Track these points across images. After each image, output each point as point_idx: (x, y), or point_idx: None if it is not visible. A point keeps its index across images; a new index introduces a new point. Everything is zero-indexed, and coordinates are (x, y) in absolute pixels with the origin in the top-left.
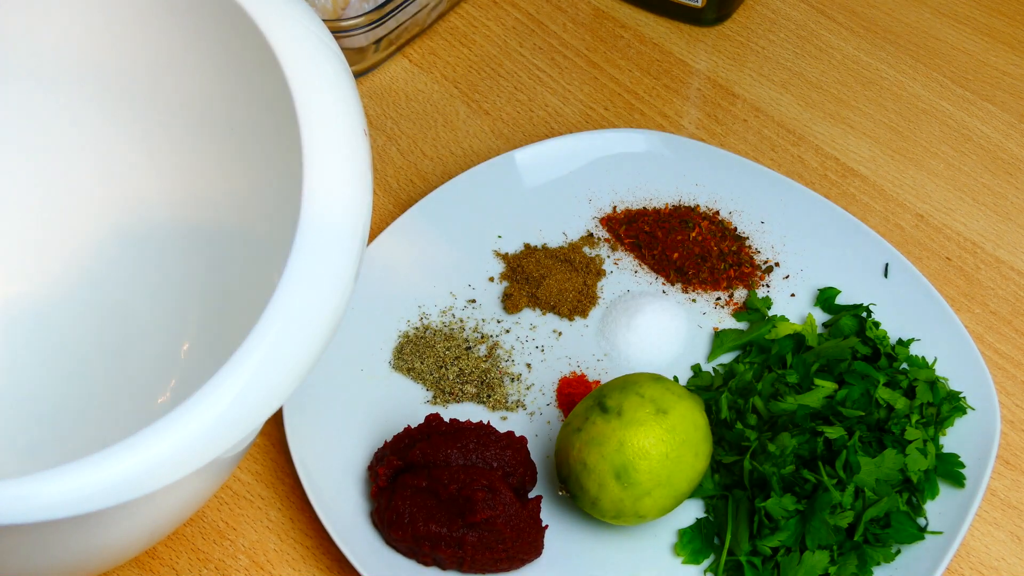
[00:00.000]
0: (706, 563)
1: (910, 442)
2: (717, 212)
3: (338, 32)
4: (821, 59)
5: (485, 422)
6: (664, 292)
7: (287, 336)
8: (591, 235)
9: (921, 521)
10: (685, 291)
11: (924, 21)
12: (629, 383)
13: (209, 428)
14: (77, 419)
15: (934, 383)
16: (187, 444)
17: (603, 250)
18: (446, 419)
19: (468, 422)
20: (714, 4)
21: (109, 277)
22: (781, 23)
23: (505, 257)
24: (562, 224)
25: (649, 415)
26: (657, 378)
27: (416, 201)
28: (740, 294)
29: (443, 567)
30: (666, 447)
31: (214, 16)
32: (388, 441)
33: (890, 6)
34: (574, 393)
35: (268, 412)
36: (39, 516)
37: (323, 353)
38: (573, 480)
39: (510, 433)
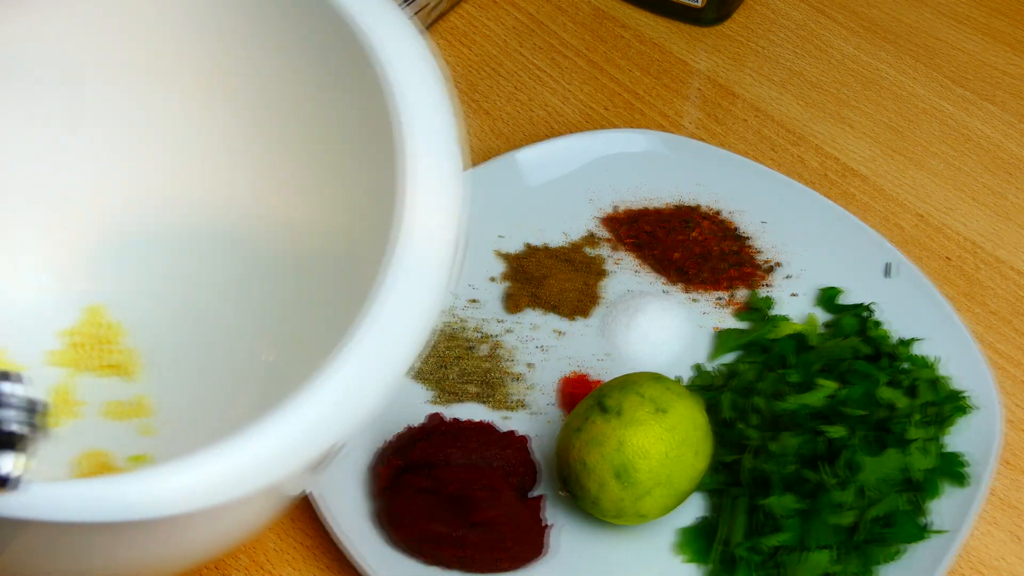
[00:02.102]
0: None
1: (912, 441)
2: (718, 212)
3: None
4: (821, 59)
5: (488, 422)
6: (665, 292)
7: (375, 360)
8: (592, 235)
9: (923, 520)
10: (686, 291)
11: (924, 21)
12: (629, 382)
13: (299, 435)
14: (167, 422)
15: (935, 382)
16: (282, 446)
17: (604, 250)
18: (447, 418)
19: (469, 421)
20: (714, 4)
21: (202, 284)
22: (781, 23)
23: (506, 257)
24: (563, 224)
25: (649, 414)
26: (657, 377)
27: None
28: (741, 294)
29: (445, 567)
30: (666, 446)
31: (325, 37)
32: (389, 441)
33: (890, 6)
34: (576, 393)
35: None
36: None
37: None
38: (573, 480)
39: (511, 432)
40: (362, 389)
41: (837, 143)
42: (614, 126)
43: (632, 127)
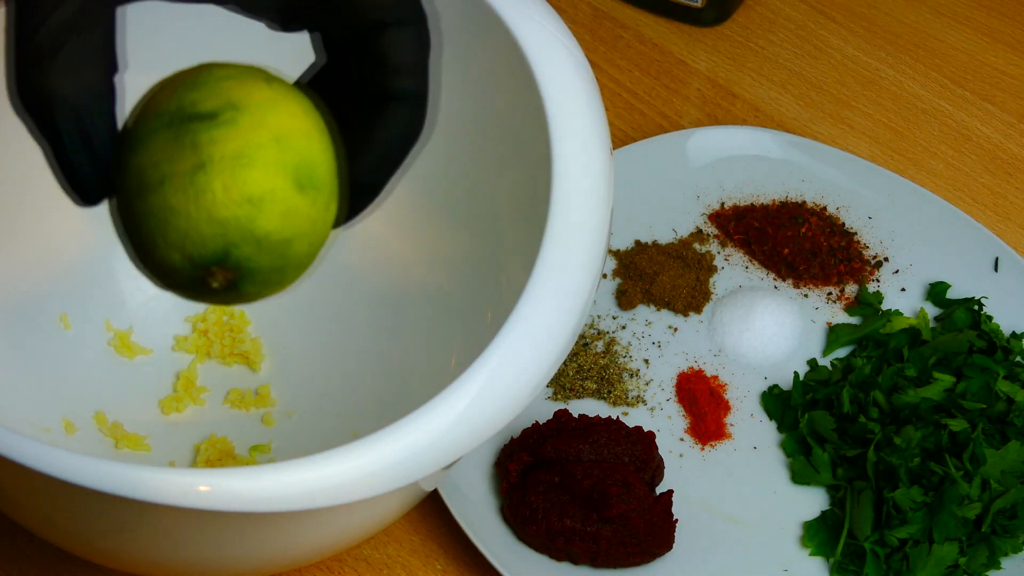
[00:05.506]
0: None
1: None
2: (824, 208)
3: None
4: (821, 59)
5: (615, 418)
6: (776, 287)
7: (525, 359)
8: (700, 231)
9: None
10: (796, 286)
11: (924, 21)
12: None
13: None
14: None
15: None
16: (429, 443)
17: (713, 246)
18: (574, 415)
19: (597, 417)
20: (714, 4)
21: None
22: (781, 23)
23: (616, 254)
24: (671, 221)
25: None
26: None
27: None
28: (851, 289)
29: (576, 562)
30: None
31: (508, 95)
32: (515, 437)
33: (890, 6)
34: (694, 388)
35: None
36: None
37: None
38: None
39: (639, 428)
40: (510, 388)
41: (837, 143)
42: (614, 127)
43: (634, 127)
